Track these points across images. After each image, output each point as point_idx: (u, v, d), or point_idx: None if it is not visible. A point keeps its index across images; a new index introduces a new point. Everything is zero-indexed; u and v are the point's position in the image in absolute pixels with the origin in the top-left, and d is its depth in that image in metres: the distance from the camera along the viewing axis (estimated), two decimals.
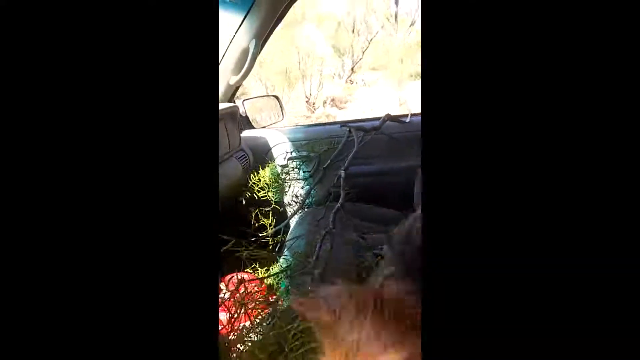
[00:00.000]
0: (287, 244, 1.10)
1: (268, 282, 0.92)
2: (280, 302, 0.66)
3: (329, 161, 1.16)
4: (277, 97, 1.24)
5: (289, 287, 0.91)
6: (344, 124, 1.20)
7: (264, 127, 1.21)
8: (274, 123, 1.24)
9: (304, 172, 1.28)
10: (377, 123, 1.13)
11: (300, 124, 1.37)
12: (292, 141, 1.27)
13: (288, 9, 1.02)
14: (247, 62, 1.03)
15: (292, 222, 1.25)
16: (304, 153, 1.27)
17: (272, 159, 1.26)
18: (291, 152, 1.27)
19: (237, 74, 1.06)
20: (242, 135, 1.17)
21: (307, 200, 1.30)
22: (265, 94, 1.33)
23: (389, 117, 1.21)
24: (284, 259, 1.04)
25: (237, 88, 1.11)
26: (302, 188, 1.27)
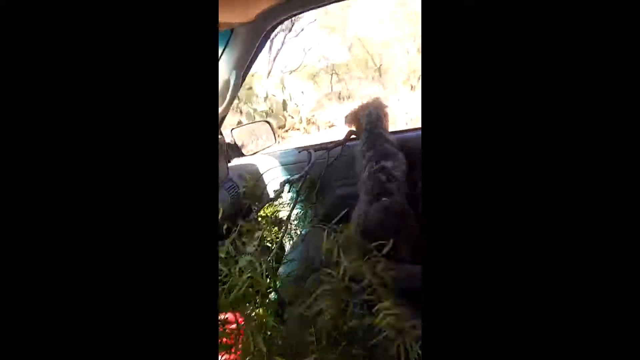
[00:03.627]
0: (281, 269, 1.08)
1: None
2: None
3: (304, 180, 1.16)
4: (268, 122, 1.26)
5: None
6: (303, 148, 1.22)
7: (254, 153, 1.22)
8: (267, 147, 1.25)
9: (296, 191, 1.28)
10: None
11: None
12: (283, 165, 1.27)
13: (267, 39, 1.04)
14: (228, 93, 1.05)
15: (287, 245, 1.23)
16: (297, 175, 1.27)
17: (263, 184, 1.26)
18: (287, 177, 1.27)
19: (220, 106, 1.08)
20: (231, 164, 1.17)
21: (304, 222, 1.29)
22: (255, 121, 1.34)
23: (352, 132, 1.24)
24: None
25: (222, 119, 1.13)
26: (298, 209, 1.26)
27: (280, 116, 4.66)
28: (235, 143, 1.17)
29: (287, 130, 4.87)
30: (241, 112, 4.71)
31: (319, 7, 1.03)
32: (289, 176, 1.27)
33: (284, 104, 4.56)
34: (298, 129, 4.90)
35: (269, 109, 4.55)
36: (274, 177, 1.27)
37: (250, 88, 4.47)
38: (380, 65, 5.25)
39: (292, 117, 4.75)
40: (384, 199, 1.00)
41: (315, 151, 1.21)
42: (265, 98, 4.53)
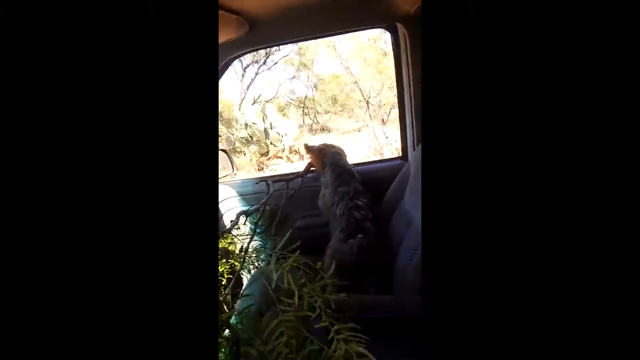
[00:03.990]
0: (238, 304, 1.03)
1: None
2: None
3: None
4: (225, 151, 1.24)
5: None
6: (261, 179, 1.23)
7: None
8: (223, 177, 1.22)
9: (254, 223, 1.24)
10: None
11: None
12: (240, 195, 1.24)
13: (226, 69, 1.05)
14: None
15: (245, 278, 1.18)
16: (255, 206, 1.24)
17: (219, 214, 1.22)
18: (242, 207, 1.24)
19: None
20: None
21: (262, 256, 1.25)
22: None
23: (311, 165, 1.28)
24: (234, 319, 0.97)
25: None
26: (255, 241, 1.22)
27: (263, 144, 4.69)
28: None
29: (269, 159, 4.88)
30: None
31: (280, 44, 1.06)
32: (247, 207, 1.24)
33: (266, 132, 4.59)
34: (281, 157, 4.92)
35: (249, 135, 4.57)
36: (230, 208, 1.24)
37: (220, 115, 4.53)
38: (369, 98, 5.45)
39: (275, 146, 4.78)
40: (359, 235, 1.01)
41: (273, 182, 1.20)
42: (247, 125, 4.56)
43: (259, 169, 4.68)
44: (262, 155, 4.75)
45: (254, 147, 4.62)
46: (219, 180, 1.22)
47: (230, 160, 1.22)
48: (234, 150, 4.77)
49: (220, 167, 1.19)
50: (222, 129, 4.82)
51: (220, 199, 1.23)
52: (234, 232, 1.23)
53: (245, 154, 4.73)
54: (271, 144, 4.72)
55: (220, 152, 1.22)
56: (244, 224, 1.20)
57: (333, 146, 1.28)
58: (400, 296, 0.84)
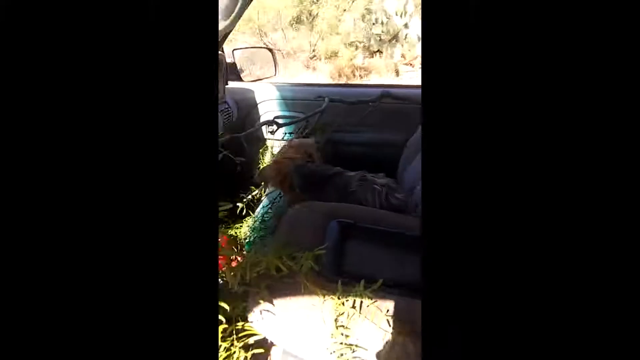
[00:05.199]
0: (264, 199, 1.12)
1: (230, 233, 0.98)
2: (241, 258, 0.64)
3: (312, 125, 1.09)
4: (271, 50, 1.15)
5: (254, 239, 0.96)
6: (318, 96, 1.07)
7: (253, 80, 1.16)
8: (266, 78, 1.17)
9: (289, 133, 1.21)
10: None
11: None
12: (281, 99, 1.18)
13: None
14: (237, 6, 0.97)
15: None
16: (293, 113, 1.18)
17: (257, 114, 1.22)
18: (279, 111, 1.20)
19: (225, 19, 1.02)
20: (229, 86, 1.15)
21: None
22: (258, 46, 1.23)
23: (386, 93, 1.06)
24: (261, 209, 1.07)
25: (227, 35, 1.07)
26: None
27: (400, 45, 4.16)
28: (235, 64, 1.12)
29: (407, 64, 4.38)
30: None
31: None
32: (285, 111, 1.19)
33: (401, 31, 3.99)
34: (412, 65, 4.35)
35: (382, 32, 4.06)
36: (267, 110, 1.22)
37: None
38: None
39: (409, 50, 4.18)
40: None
41: (330, 101, 1.09)
42: (382, 23, 4.03)
43: (397, 75, 4.28)
44: (402, 56, 4.27)
45: (395, 51, 4.14)
46: (261, 80, 1.18)
47: (274, 61, 1.14)
48: (367, 49, 4.43)
49: (260, 67, 1.13)
50: (358, 22, 4.43)
51: (260, 99, 1.21)
52: (268, 136, 1.24)
53: (381, 54, 4.33)
54: (408, 49, 4.14)
55: (266, 51, 1.14)
56: (274, 132, 1.17)
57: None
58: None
